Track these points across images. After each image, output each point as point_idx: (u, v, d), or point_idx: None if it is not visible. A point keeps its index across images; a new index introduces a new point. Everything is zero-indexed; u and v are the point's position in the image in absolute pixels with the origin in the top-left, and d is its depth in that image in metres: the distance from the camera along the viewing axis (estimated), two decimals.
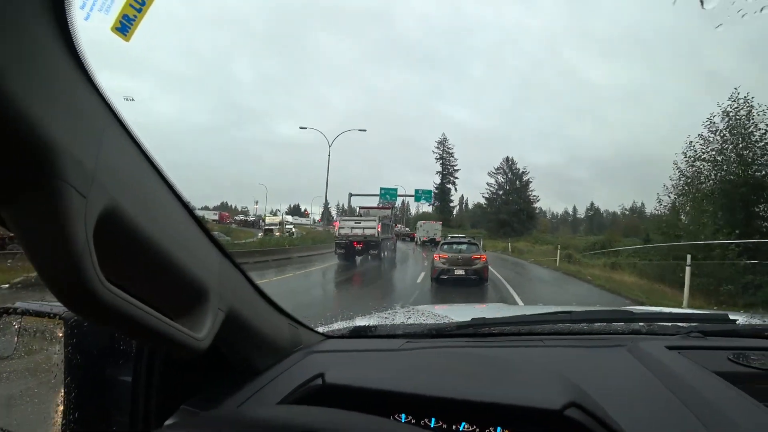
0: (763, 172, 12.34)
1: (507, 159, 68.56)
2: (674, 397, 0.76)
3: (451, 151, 77.91)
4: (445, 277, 11.94)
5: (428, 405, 0.74)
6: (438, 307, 2.04)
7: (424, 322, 1.34)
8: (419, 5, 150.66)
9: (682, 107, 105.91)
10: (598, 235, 49.50)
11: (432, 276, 12.28)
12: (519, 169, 67.77)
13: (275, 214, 47.95)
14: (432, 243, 28.14)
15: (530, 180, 67.41)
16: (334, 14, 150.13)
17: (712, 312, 1.65)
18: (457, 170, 78.26)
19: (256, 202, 55.83)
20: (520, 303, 9.17)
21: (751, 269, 10.61)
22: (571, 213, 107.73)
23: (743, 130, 12.71)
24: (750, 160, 12.51)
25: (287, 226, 42.27)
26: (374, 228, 20.71)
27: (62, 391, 0.74)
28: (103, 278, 0.44)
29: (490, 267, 13.04)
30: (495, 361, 0.93)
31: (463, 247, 12.67)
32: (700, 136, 13.66)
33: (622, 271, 17.98)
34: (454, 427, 0.74)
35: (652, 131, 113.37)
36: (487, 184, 69.01)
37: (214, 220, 56.61)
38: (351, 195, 37.94)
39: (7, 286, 4.93)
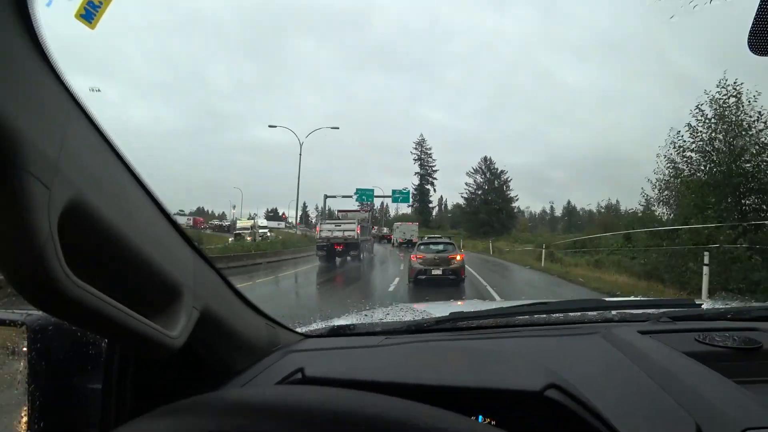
0: (754, 163, 11.64)
1: (485, 159, 68.32)
2: (647, 377, 0.81)
3: (429, 152, 77.57)
4: (423, 277, 11.89)
5: (408, 393, 0.66)
6: (417, 305, 2.02)
7: (402, 319, 1.38)
8: (396, 11, 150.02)
9: (651, 109, 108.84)
10: (576, 233, 49.44)
11: (409, 277, 12.27)
12: (497, 169, 67.60)
13: (252, 218, 46.44)
14: (409, 244, 27.30)
15: (509, 179, 67.35)
16: (310, 20, 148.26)
17: (679, 299, 2.03)
18: (436, 171, 77.97)
19: (233, 207, 54.58)
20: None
21: (759, 266, 9.83)
22: (548, 212, 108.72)
23: (734, 118, 11.98)
24: (740, 150, 11.81)
25: (261, 230, 40.62)
26: (354, 230, 22.03)
27: (26, 401, 0.69)
28: (69, 271, 0.43)
29: (473, 271, 13.30)
30: (473, 351, 0.95)
31: (440, 247, 12.79)
32: (689, 125, 12.87)
33: (607, 269, 17.28)
34: None
35: (624, 132, 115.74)
36: (466, 184, 68.64)
37: (188, 226, 54.80)
38: (326, 196, 36.62)
39: None
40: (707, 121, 12.48)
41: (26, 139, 0.38)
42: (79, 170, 0.45)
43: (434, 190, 79.15)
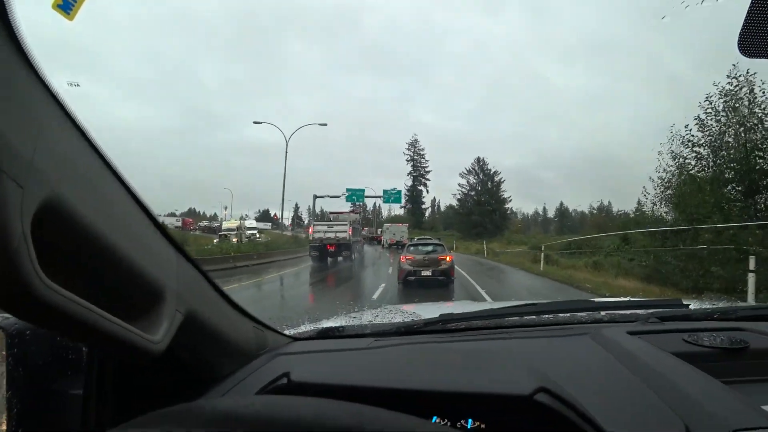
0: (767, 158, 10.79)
1: (478, 159, 67.43)
2: (636, 378, 0.80)
3: (422, 153, 76.72)
4: (412, 278, 11.87)
5: (397, 399, 0.73)
6: (406, 306, 2.05)
7: (392, 321, 1.38)
8: (389, 13, 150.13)
9: (639, 110, 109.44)
10: (569, 235, 48.76)
11: (399, 278, 12.19)
12: (490, 170, 66.77)
13: (244, 219, 45.41)
14: (399, 245, 26.36)
15: (502, 180, 66.53)
16: (302, 19, 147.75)
17: (667, 299, 1.72)
18: (429, 171, 77.09)
19: (225, 208, 53.66)
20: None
21: None
22: (541, 213, 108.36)
23: (746, 111, 11.13)
24: (754, 144, 10.95)
25: (250, 231, 39.45)
26: (346, 231, 23.22)
27: (4, 408, 0.67)
28: (43, 275, 0.41)
29: (467, 276, 13.09)
30: (464, 353, 0.95)
31: (429, 248, 12.69)
32: (698, 118, 11.98)
33: (606, 271, 16.42)
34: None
35: (613, 133, 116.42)
36: (459, 185, 67.73)
37: (177, 227, 53.83)
38: (315, 197, 35.58)
39: None
40: (717, 114, 11.60)
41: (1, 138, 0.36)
42: (56, 169, 0.43)
43: (427, 191, 78.37)
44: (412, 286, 11.65)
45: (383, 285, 12.87)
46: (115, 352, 0.63)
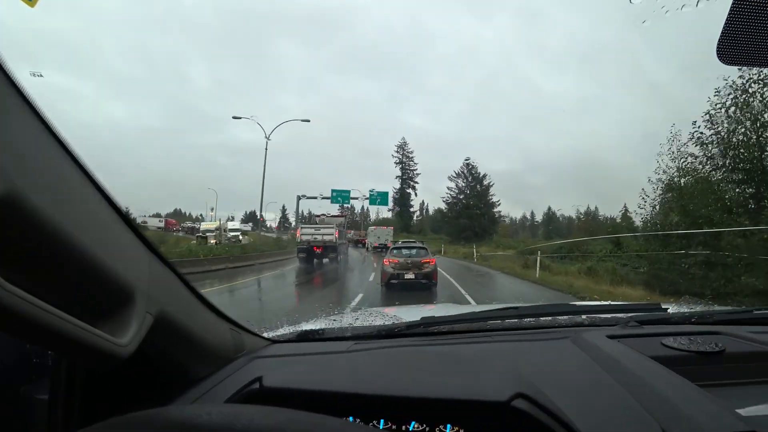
0: None
1: (467, 163, 66.79)
2: (615, 382, 0.80)
3: (410, 156, 75.86)
4: (395, 281, 11.91)
5: (376, 405, 0.74)
6: (387, 309, 1.99)
7: (373, 324, 1.37)
8: (380, 15, 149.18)
9: (625, 116, 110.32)
10: (557, 239, 48.25)
11: (382, 281, 12.20)
12: (479, 173, 66.17)
13: (229, 220, 44.18)
14: (384, 248, 25.48)
15: (491, 184, 65.94)
16: (293, 21, 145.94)
17: (646, 303, 1.71)
18: (417, 174, 76.27)
19: (211, 209, 52.50)
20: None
21: None
22: (529, 218, 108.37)
23: (760, 106, 10.26)
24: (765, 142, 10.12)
25: (233, 233, 38.09)
26: (332, 234, 23.99)
27: None
28: None
29: (456, 284, 12.81)
30: (444, 358, 0.96)
31: (413, 251, 12.76)
32: (707, 114, 11.11)
33: (600, 277, 15.55)
34: (404, 427, 0.74)
35: (600, 139, 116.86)
36: (447, 188, 66.91)
37: (159, 228, 52.82)
38: (299, 197, 34.33)
39: None
40: (727, 110, 10.75)
41: None
42: (14, 162, 0.41)
43: (415, 194, 77.51)
44: (395, 290, 11.57)
45: (364, 290, 12.52)
46: (79, 356, 0.57)
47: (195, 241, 28.08)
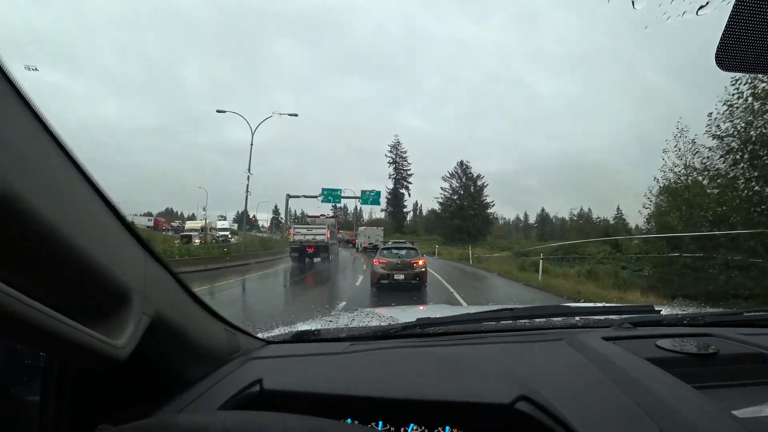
0: None
1: (461, 163, 66.02)
2: (611, 383, 0.80)
3: (404, 155, 74.95)
4: (385, 282, 11.88)
5: (375, 407, 0.74)
6: (382, 309, 2.01)
7: (368, 324, 1.37)
8: (376, 16, 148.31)
9: (620, 119, 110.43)
10: (551, 240, 47.50)
11: (372, 281, 12.20)
12: (473, 174, 65.42)
13: (221, 219, 43.22)
14: (374, 249, 24.83)
15: (485, 185, 65.21)
16: (289, 21, 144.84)
17: (639, 305, 1.74)
18: (411, 175, 75.37)
19: (204, 209, 51.79)
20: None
21: None
22: (522, 219, 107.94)
23: None
24: None
25: (222, 233, 36.95)
26: (324, 234, 24.74)
27: None
28: None
29: (453, 291, 12.59)
30: (441, 359, 0.94)
31: (403, 252, 12.74)
32: (727, 104, 10.21)
33: (602, 281, 14.69)
34: (402, 429, 0.74)
35: (594, 141, 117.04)
36: (441, 188, 66.20)
37: (148, 227, 51.52)
38: (288, 196, 33.31)
39: None
40: (745, 100, 9.88)
41: None
42: (11, 161, 0.40)
43: (409, 195, 76.63)
44: (385, 290, 11.50)
45: (348, 296, 11.78)
46: (75, 358, 0.58)
47: (178, 242, 26.93)
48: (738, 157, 10.00)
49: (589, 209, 72.27)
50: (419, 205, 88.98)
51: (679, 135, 12.30)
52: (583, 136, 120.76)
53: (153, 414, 0.70)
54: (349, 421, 0.73)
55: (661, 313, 1.35)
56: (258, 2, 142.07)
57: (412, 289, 11.83)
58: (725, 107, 10.28)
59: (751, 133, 9.83)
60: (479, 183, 64.96)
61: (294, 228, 26.19)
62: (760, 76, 9.19)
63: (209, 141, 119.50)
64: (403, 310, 2.19)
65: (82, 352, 0.49)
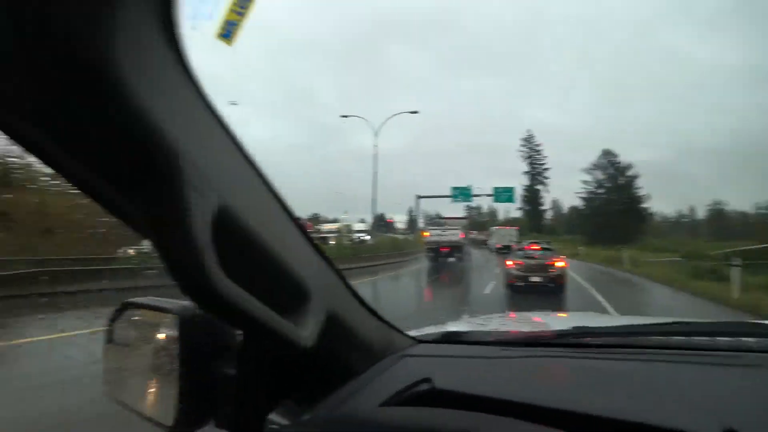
0: None
1: (606, 152, 58.98)
2: None
3: (538, 149, 69.97)
4: (520, 284, 11.41)
5: (548, 418, 0.69)
6: (535, 315, 1.96)
7: (521, 329, 1.32)
8: (488, 7, 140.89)
9: None
10: (732, 242, 39.31)
11: (506, 283, 11.81)
12: (621, 163, 57.92)
13: (363, 222, 45.88)
14: (507, 250, 23.15)
15: (636, 175, 57.22)
16: (405, 27, 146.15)
17: None
18: (547, 169, 70.01)
19: (345, 212, 55.72)
20: None
21: None
22: (687, 215, 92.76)
23: None
24: None
25: (358, 234, 38.54)
26: (457, 235, 26.53)
27: (176, 379, 0.78)
28: (222, 273, 0.47)
29: (604, 302, 10.52)
30: (609, 374, 0.89)
31: (538, 252, 12.09)
32: None
33: None
34: None
35: None
36: (583, 182, 59.87)
37: None
38: (418, 197, 33.14)
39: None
40: None
41: (182, 150, 0.42)
42: (221, 178, 0.49)
43: (547, 191, 71.20)
44: (520, 294, 10.98)
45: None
46: (271, 343, 0.68)
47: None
48: None
49: None
50: (558, 202, 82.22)
51: None
52: (760, 107, 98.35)
53: (321, 400, 0.77)
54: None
55: None
56: (373, 15, 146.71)
57: (549, 293, 11.06)
58: None
59: None
60: (629, 173, 57.26)
61: (429, 229, 27.78)
62: None
63: (343, 150, 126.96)
64: (556, 316, 2.06)
65: (278, 339, 0.58)
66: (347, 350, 0.85)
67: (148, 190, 0.42)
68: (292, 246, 0.66)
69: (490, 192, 33.11)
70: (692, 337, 1.10)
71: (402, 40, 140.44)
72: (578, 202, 62.04)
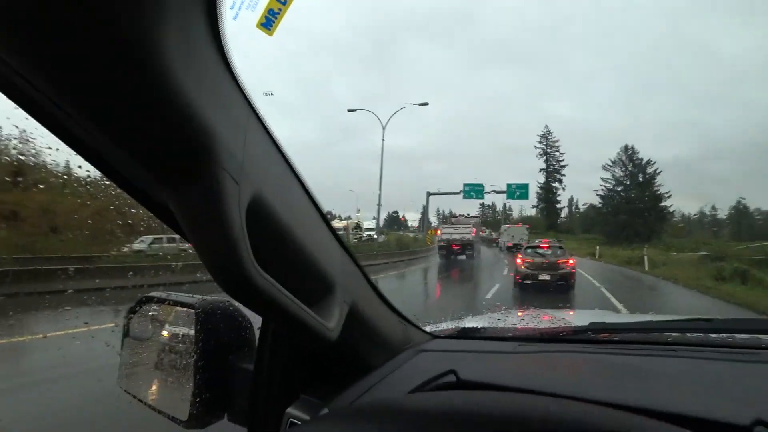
0: None
1: (626, 148, 57.18)
2: None
3: (555, 145, 68.45)
4: (529, 282, 11.47)
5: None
6: (551, 311, 1.99)
7: (538, 326, 1.35)
8: (509, 1, 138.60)
9: None
10: (757, 242, 37.63)
11: (515, 281, 11.90)
12: (641, 160, 56.10)
13: (374, 219, 45.62)
14: (518, 248, 22.12)
15: (657, 172, 55.33)
16: (423, 26, 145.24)
17: None
18: (564, 166, 68.47)
19: (358, 211, 56.30)
20: None
21: None
22: (708, 213, 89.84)
23: None
24: None
25: (368, 232, 38.08)
26: (469, 233, 27.02)
27: (192, 372, 0.80)
28: (256, 264, 0.47)
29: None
30: (633, 368, 0.88)
31: (549, 251, 12.06)
32: None
33: None
34: None
35: None
36: (602, 179, 58.30)
37: None
38: (429, 194, 32.34)
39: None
40: None
41: (221, 138, 0.42)
42: (256, 168, 0.49)
43: (563, 189, 69.62)
44: (529, 292, 11.01)
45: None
46: (300, 335, 0.66)
47: None
48: None
49: None
50: (575, 200, 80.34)
51: None
52: None
53: (340, 392, 0.76)
54: None
55: None
56: (389, 11, 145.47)
57: (559, 291, 11.07)
58: None
59: None
60: (649, 170, 55.48)
61: (441, 227, 28.57)
62: None
63: (358, 149, 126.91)
64: (573, 313, 2.07)
65: (307, 331, 0.58)
66: (367, 344, 0.84)
67: (185, 176, 0.42)
68: (319, 238, 0.65)
69: (504, 189, 32.15)
70: (709, 335, 1.07)
71: (420, 36, 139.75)
72: (596, 200, 60.39)
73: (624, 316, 2.03)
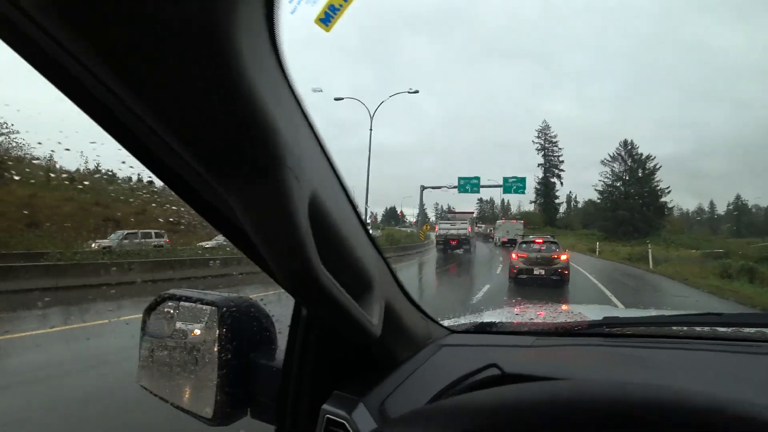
0: None
1: (625, 143, 56.23)
2: None
3: (553, 140, 67.47)
4: (524, 276, 11.66)
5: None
6: (567, 306, 2.07)
7: (552, 321, 1.35)
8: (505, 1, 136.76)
9: None
10: (751, 238, 36.85)
11: (509, 275, 12.03)
12: (640, 155, 55.14)
13: (374, 215, 45.14)
14: (513, 244, 22.07)
15: (656, 167, 54.37)
16: (420, 20, 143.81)
17: None
18: (562, 161, 67.52)
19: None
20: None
21: None
22: (707, 209, 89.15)
23: None
24: None
25: None
26: (466, 228, 27.95)
27: (215, 371, 0.80)
28: (320, 261, 0.48)
29: None
30: (653, 362, 0.90)
31: (543, 246, 12.21)
32: None
33: None
34: None
35: None
36: (601, 174, 57.35)
37: None
38: (423, 188, 31.34)
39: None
40: None
41: (282, 138, 0.42)
42: (309, 167, 0.49)
43: (561, 184, 68.70)
44: (524, 286, 11.13)
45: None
46: (348, 331, 0.66)
47: None
48: None
49: None
50: (573, 196, 79.43)
51: None
52: None
53: (372, 388, 0.75)
54: None
55: None
56: (389, 10, 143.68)
57: (554, 285, 11.23)
58: None
59: None
60: (648, 165, 54.53)
61: (439, 223, 29.62)
62: None
63: (354, 145, 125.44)
64: (586, 308, 2.08)
65: (358, 327, 0.59)
66: (395, 339, 0.85)
67: (252, 175, 0.41)
68: (360, 239, 0.66)
69: (500, 183, 31.18)
70: (717, 329, 1.08)
71: (416, 31, 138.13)
72: (594, 196, 59.56)
73: (636, 311, 1.92)
